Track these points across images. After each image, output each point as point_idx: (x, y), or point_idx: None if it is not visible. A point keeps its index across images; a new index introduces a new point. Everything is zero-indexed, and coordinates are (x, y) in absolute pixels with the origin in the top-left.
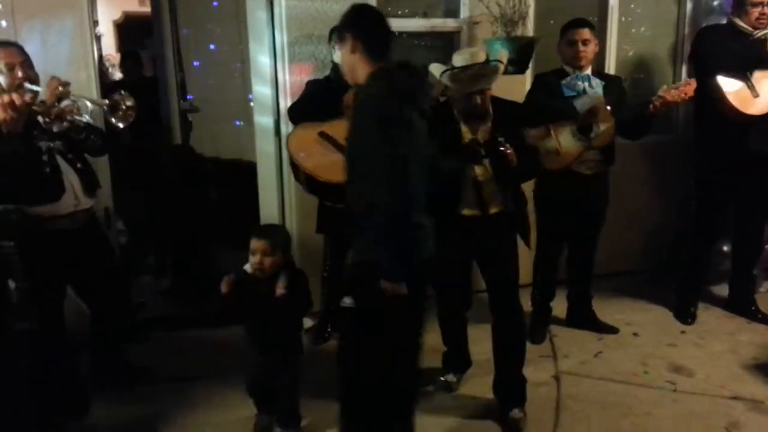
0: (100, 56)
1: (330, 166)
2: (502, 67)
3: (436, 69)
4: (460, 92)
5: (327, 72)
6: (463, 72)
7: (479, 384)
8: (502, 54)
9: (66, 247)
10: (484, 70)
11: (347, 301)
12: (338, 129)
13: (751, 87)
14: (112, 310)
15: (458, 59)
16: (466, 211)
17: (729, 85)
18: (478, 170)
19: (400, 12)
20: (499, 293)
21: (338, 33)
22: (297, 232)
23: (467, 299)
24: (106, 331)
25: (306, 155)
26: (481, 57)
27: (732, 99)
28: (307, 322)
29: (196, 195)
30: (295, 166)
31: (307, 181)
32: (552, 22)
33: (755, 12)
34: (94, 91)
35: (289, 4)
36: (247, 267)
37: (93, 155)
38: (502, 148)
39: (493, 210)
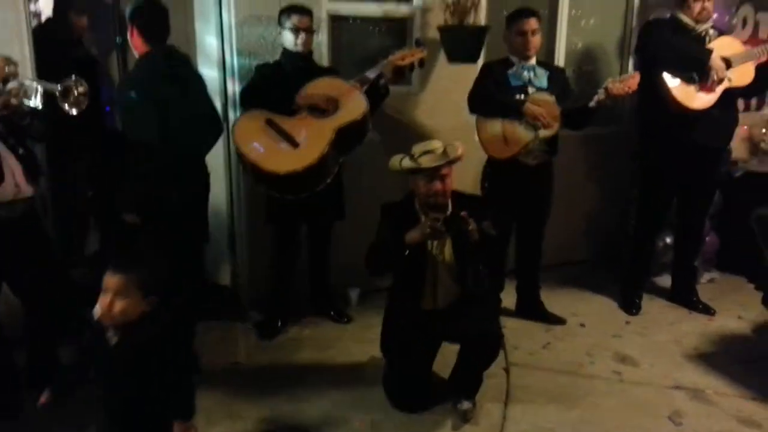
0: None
1: (276, 156)
2: (461, 150)
3: (395, 160)
4: (421, 179)
5: (277, 56)
6: (422, 157)
7: None
8: (459, 146)
9: (2, 238)
10: (444, 157)
11: None
12: (286, 117)
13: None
14: (47, 307)
15: (417, 149)
16: (425, 305)
17: (673, 79)
18: (438, 254)
19: None
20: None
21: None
22: (246, 223)
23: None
24: (41, 329)
25: (252, 144)
26: (439, 147)
27: (676, 93)
28: (255, 317)
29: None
30: (240, 155)
31: (253, 170)
32: (505, 12)
33: (697, 6)
34: (29, 70)
35: None
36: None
37: (36, 141)
38: (464, 223)
39: (444, 305)
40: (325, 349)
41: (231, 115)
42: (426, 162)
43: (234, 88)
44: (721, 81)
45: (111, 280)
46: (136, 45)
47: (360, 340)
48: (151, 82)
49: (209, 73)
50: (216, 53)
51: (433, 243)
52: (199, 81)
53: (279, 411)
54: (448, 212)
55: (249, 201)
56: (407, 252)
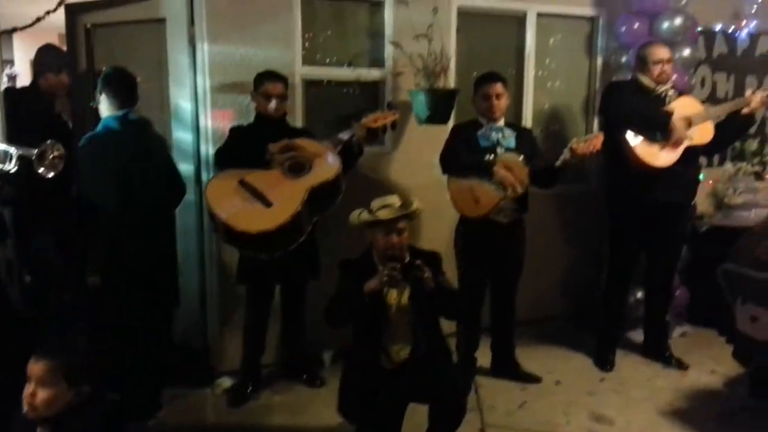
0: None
1: (248, 215)
2: (417, 205)
3: (354, 214)
4: (379, 232)
5: (251, 119)
6: (380, 211)
7: None
8: (415, 201)
9: None
10: (401, 210)
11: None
12: (259, 178)
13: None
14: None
15: (376, 203)
16: (384, 363)
17: (636, 138)
18: (395, 304)
19: (327, 60)
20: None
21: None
22: (218, 283)
23: None
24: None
25: (224, 204)
26: (396, 201)
27: (639, 152)
28: (226, 382)
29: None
30: (212, 215)
31: (225, 230)
32: (476, 72)
33: (656, 69)
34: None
35: (212, 50)
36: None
37: (5, 204)
38: (420, 272)
39: (402, 360)
40: (297, 414)
41: (204, 177)
42: (383, 215)
43: (207, 150)
44: (682, 140)
45: (34, 367)
46: (102, 110)
47: (333, 405)
48: (108, 147)
49: (183, 136)
50: (190, 117)
51: (390, 292)
52: (160, 144)
53: None
54: (405, 262)
55: (220, 261)
56: (366, 300)
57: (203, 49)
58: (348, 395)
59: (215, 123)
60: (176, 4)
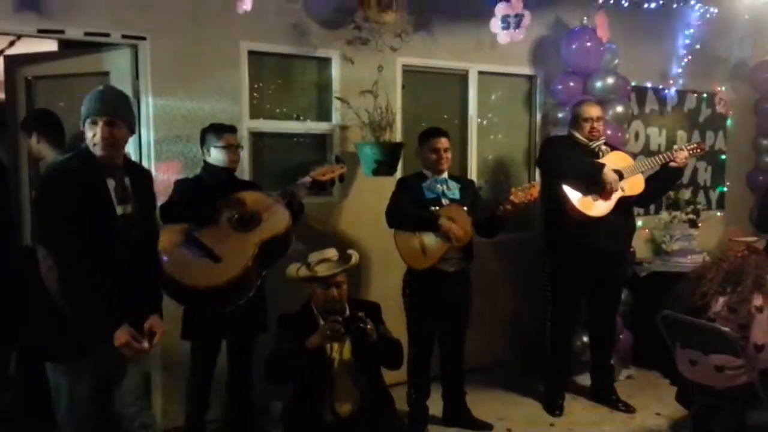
0: None
1: (196, 270)
2: (355, 258)
3: (292, 268)
4: (318, 286)
5: (198, 171)
6: (319, 264)
7: None
8: (353, 254)
9: None
10: (340, 262)
11: None
12: (207, 233)
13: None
14: None
15: (313, 258)
16: (326, 417)
17: (571, 190)
18: (337, 357)
19: (278, 111)
20: None
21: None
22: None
23: None
24: None
25: (169, 259)
26: (334, 255)
27: (575, 202)
28: None
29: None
30: None
31: (171, 286)
32: (423, 124)
33: (587, 126)
34: None
35: (156, 103)
36: None
37: None
38: (362, 323)
39: (346, 413)
40: None
41: None
42: (322, 271)
43: None
44: (614, 191)
45: None
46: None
47: None
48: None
49: None
50: None
51: (332, 346)
52: None
53: None
54: (346, 314)
55: (166, 315)
56: (308, 357)
57: (148, 102)
58: None
59: (160, 175)
60: (120, 58)
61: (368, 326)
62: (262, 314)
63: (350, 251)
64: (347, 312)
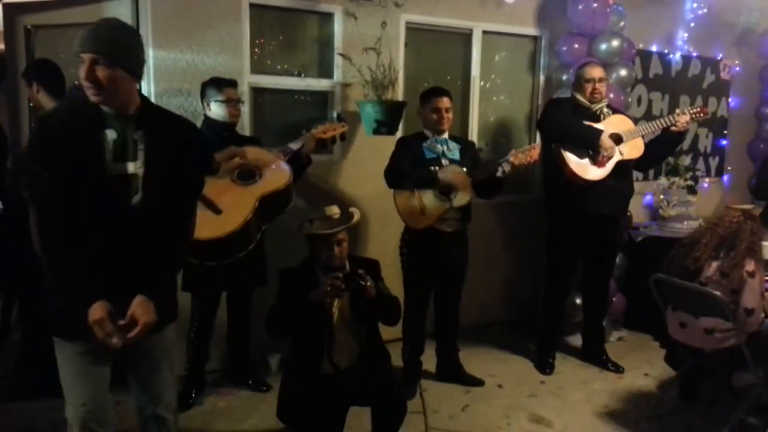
0: None
1: (197, 222)
2: (357, 217)
3: (301, 225)
4: (320, 240)
5: (198, 125)
6: (322, 221)
7: None
8: (355, 212)
9: None
10: (341, 220)
11: None
12: (208, 185)
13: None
14: None
15: (317, 215)
16: (325, 368)
17: (568, 153)
18: (337, 312)
19: (278, 68)
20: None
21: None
22: None
23: None
24: None
25: None
26: (336, 213)
27: (572, 165)
28: None
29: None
30: None
31: None
32: (425, 84)
33: (589, 87)
34: None
35: (157, 55)
36: None
37: None
38: (361, 281)
39: (344, 366)
40: (241, 420)
41: None
42: (324, 228)
43: None
44: (610, 157)
45: None
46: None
47: None
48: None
49: None
50: None
51: (332, 302)
52: None
53: None
54: (347, 270)
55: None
56: (309, 311)
57: (148, 54)
58: (288, 400)
59: None
60: (121, 9)
61: (368, 283)
62: (261, 268)
63: (352, 209)
64: (347, 268)
